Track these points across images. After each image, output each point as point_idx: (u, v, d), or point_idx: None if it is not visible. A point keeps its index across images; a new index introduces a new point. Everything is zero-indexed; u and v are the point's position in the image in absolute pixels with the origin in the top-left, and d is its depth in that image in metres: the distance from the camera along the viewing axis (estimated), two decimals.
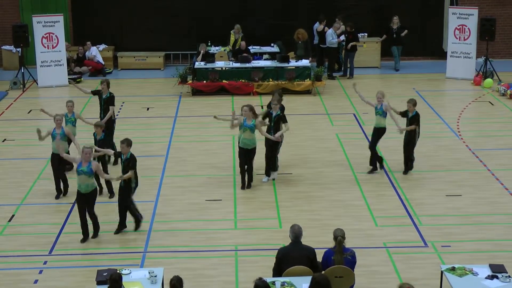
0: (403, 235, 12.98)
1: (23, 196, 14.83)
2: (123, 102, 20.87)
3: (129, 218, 13.17)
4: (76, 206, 13.26)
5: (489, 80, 22.28)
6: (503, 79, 22.34)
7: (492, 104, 20.57)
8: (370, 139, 15.85)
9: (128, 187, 12.92)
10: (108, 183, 14.49)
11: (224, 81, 21.69)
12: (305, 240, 10.41)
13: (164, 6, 25.12)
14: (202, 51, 22.37)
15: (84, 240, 12.81)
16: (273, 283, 9.89)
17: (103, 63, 24.39)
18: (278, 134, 14.91)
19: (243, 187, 14.96)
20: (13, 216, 13.94)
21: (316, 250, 10.37)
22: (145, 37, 25.18)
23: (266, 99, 15.93)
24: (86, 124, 15.63)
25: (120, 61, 24.96)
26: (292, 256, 10.18)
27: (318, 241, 11.72)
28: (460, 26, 22.92)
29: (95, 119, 15.60)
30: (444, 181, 15.34)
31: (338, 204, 14.27)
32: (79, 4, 25.14)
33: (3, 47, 24.80)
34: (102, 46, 25.00)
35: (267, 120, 15.21)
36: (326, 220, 13.48)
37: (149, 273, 10.28)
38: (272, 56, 23.02)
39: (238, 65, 21.97)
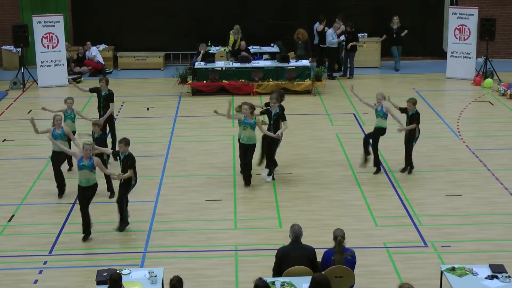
0: (403, 235, 12.97)
1: (23, 196, 14.82)
2: (123, 102, 20.86)
3: (129, 219, 13.17)
4: (76, 206, 13.24)
5: (489, 80, 22.27)
6: (503, 79, 22.33)
7: (492, 104, 20.56)
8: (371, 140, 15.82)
9: (128, 184, 12.97)
10: (109, 182, 14.49)
11: (224, 81, 21.67)
12: (305, 240, 10.40)
13: (164, 6, 25.11)
14: (202, 51, 22.35)
15: (86, 238, 12.80)
16: (273, 283, 9.88)
17: (103, 63, 24.37)
18: (279, 132, 14.96)
19: (245, 184, 14.98)
20: (13, 216, 13.93)
21: (316, 250, 10.37)
22: (145, 37, 25.16)
23: (266, 99, 15.92)
24: (86, 121, 15.66)
25: (120, 61, 24.94)
26: (292, 256, 10.17)
27: (318, 241, 11.69)
28: (460, 26, 22.91)
29: (95, 118, 15.60)
30: (444, 181, 15.34)
31: (338, 204, 14.27)
32: (79, 4, 25.12)
33: (3, 47, 24.79)
34: (102, 46, 24.98)
35: (266, 119, 15.23)
36: (326, 220, 13.47)
37: (149, 273, 10.27)
38: (272, 56, 23.00)
39: (238, 65, 21.96)
